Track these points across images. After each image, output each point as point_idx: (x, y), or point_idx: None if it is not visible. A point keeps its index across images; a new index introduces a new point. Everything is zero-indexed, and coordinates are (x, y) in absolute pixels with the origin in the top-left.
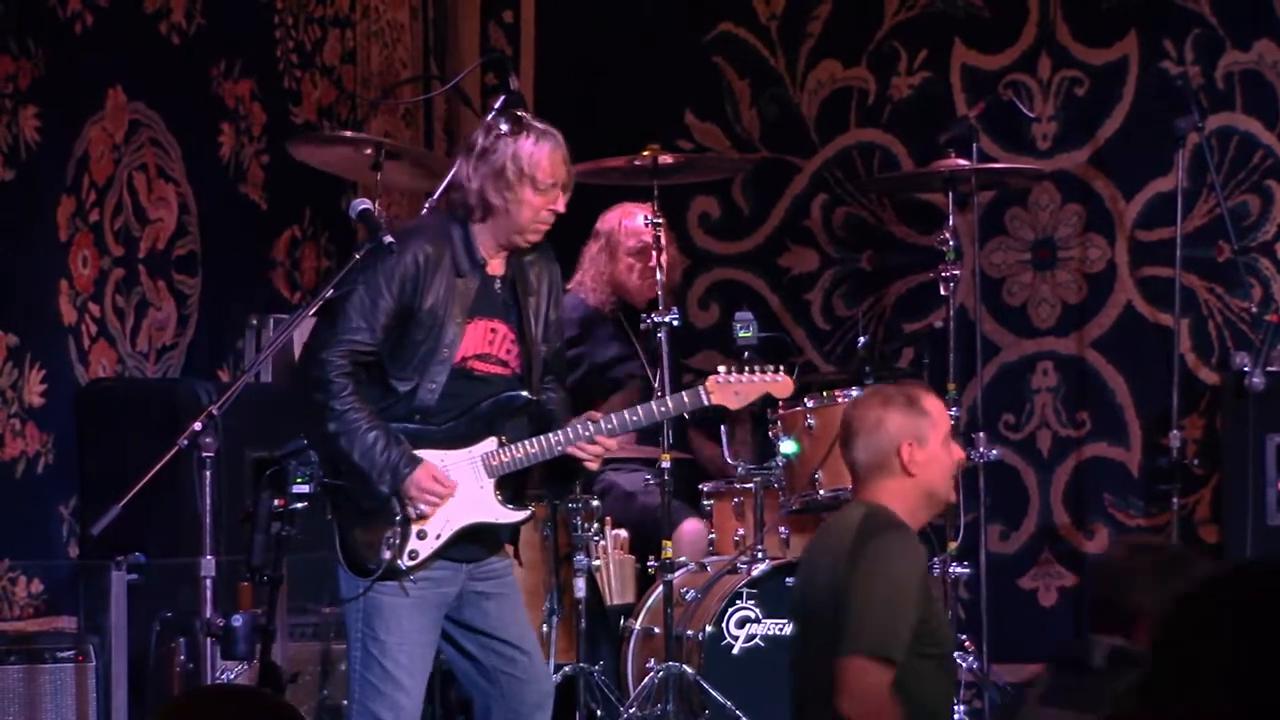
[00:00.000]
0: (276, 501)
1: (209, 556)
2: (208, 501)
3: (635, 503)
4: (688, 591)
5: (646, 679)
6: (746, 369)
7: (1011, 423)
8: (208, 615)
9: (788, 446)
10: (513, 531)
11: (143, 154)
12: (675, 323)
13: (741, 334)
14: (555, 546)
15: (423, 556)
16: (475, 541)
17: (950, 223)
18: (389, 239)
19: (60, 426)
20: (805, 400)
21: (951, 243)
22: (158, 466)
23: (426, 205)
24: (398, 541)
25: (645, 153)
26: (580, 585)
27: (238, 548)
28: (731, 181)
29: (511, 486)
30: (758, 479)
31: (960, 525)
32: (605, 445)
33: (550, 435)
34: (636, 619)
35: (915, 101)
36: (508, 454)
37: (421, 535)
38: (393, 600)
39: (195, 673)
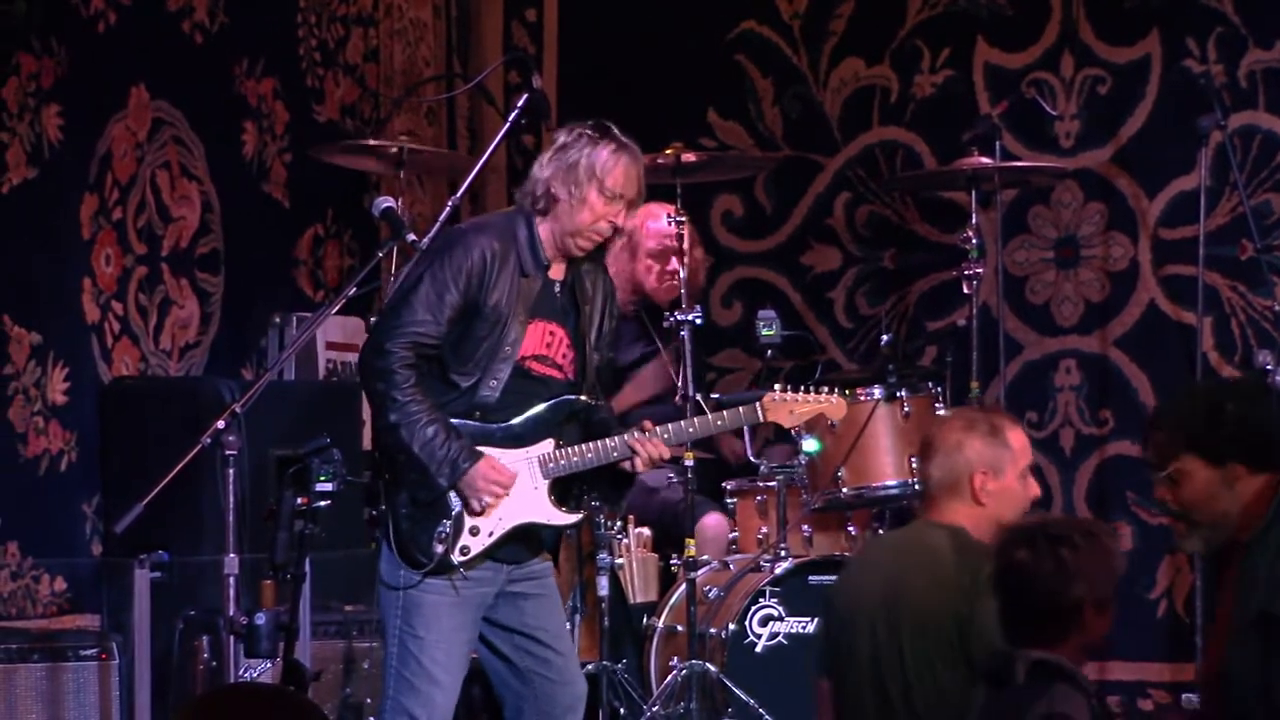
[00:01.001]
0: (300, 499)
1: (232, 555)
2: (231, 499)
3: (656, 498)
4: (711, 589)
5: (670, 677)
6: (802, 388)
7: (1034, 421)
8: (231, 613)
9: (810, 445)
10: (554, 538)
11: (165, 152)
12: (698, 321)
13: (764, 332)
14: (579, 544)
15: (474, 553)
16: (522, 543)
17: (973, 221)
18: (412, 237)
19: (83, 425)
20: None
21: (974, 241)
22: (181, 464)
23: (450, 203)
24: (450, 535)
25: (668, 151)
26: (603, 583)
27: (261, 546)
28: (754, 180)
29: (567, 490)
30: (780, 477)
31: None
32: (662, 454)
33: (607, 440)
34: (660, 617)
35: (938, 100)
36: (564, 456)
37: (474, 532)
38: (435, 598)
39: (218, 671)
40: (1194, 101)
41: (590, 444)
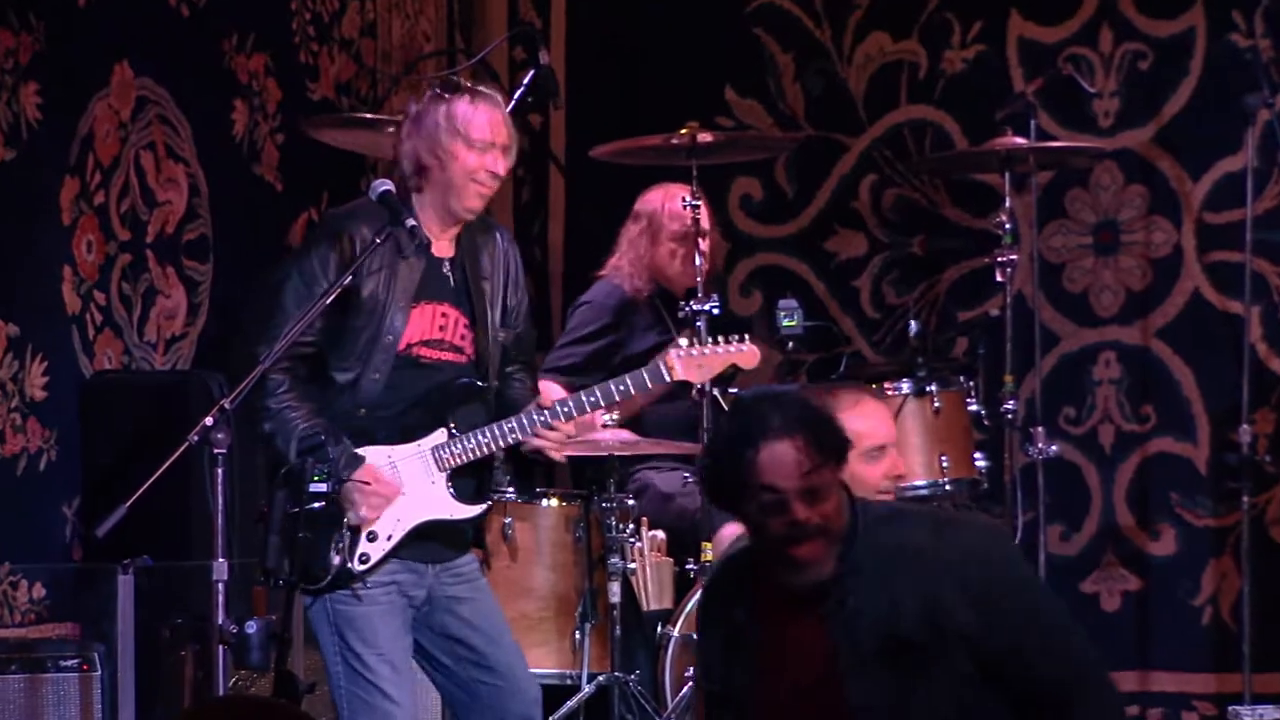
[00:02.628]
0: (292, 501)
1: (221, 559)
2: (220, 501)
3: (672, 505)
4: None
5: (685, 689)
6: (710, 339)
7: (1072, 416)
8: (220, 621)
9: None
10: (477, 532)
11: (151, 132)
12: (716, 311)
13: (785, 323)
14: (588, 549)
15: (374, 559)
16: (435, 540)
17: (1007, 205)
18: (412, 223)
19: (63, 422)
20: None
21: (1008, 226)
22: (166, 464)
23: None
24: (346, 545)
25: (683, 131)
26: (615, 590)
27: (251, 550)
28: (774, 161)
29: (472, 480)
30: None
31: (1018, 525)
32: (564, 431)
33: (503, 423)
34: (675, 625)
35: (969, 76)
36: (459, 446)
37: (372, 537)
38: (364, 609)
39: (207, 682)
40: (1240, 78)
41: (486, 429)
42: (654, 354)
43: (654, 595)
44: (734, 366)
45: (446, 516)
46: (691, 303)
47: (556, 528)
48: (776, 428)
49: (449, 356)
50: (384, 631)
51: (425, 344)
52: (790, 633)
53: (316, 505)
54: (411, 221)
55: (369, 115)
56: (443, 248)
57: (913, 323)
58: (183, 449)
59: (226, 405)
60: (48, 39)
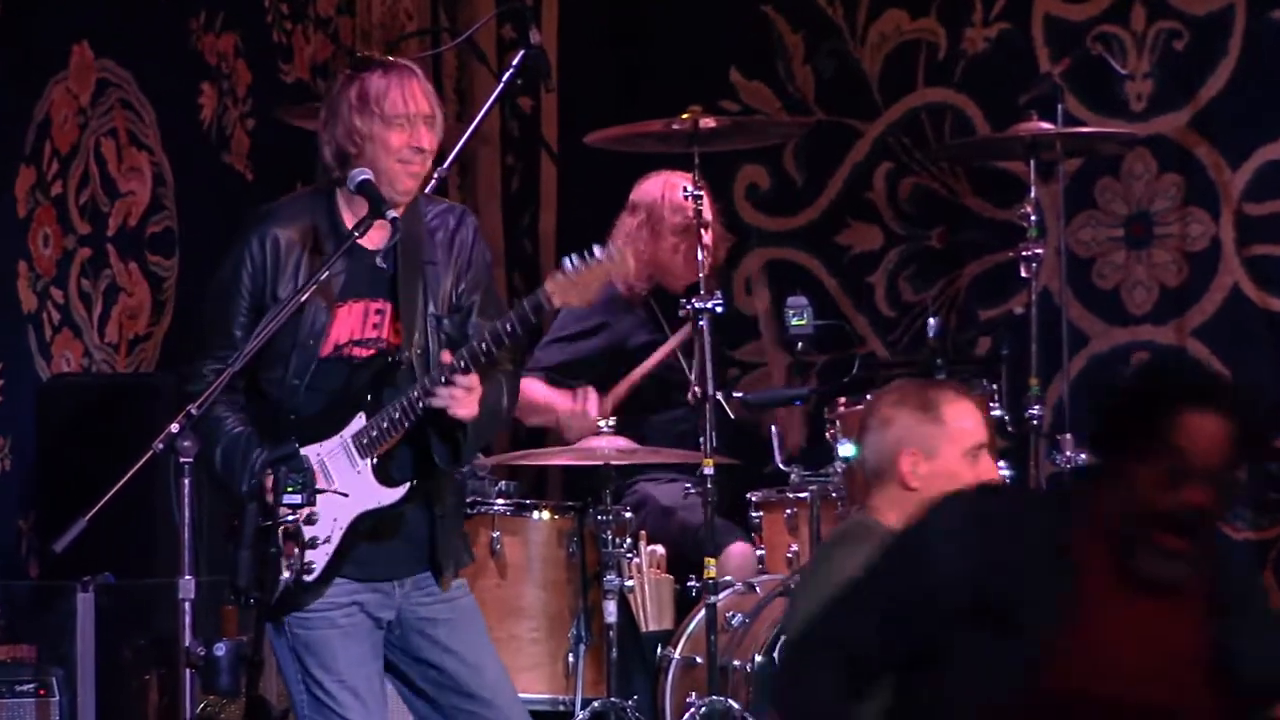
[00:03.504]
0: (264, 515)
1: (188, 576)
2: (186, 514)
3: (674, 520)
4: (734, 616)
5: (687, 716)
6: (583, 257)
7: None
8: (187, 643)
9: (847, 450)
10: (428, 540)
11: (112, 118)
12: (719, 309)
13: (795, 322)
14: (583, 564)
15: (321, 566)
16: (389, 551)
17: (1032, 195)
18: (394, 214)
19: (18, 428)
20: (868, 397)
21: (1033, 218)
22: (130, 474)
23: (436, 177)
24: (293, 556)
25: (685, 116)
26: (611, 609)
27: (221, 567)
28: (783, 148)
29: (398, 462)
30: (813, 487)
31: None
32: (463, 384)
33: (409, 391)
34: (676, 647)
35: (992, 57)
36: (374, 427)
37: (312, 544)
38: (323, 633)
39: (172, 708)
40: None
41: (395, 403)
42: (648, 352)
43: (653, 615)
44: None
45: (375, 504)
46: (694, 300)
47: (548, 543)
48: (1223, 401)
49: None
50: (345, 656)
51: (357, 343)
52: (1125, 614)
53: (290, 518)
54: (394, 213)
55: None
56: (373, 238)
57: (931, 321)
58: (147, 458)
59: (193, 411)
60: (2, 18)
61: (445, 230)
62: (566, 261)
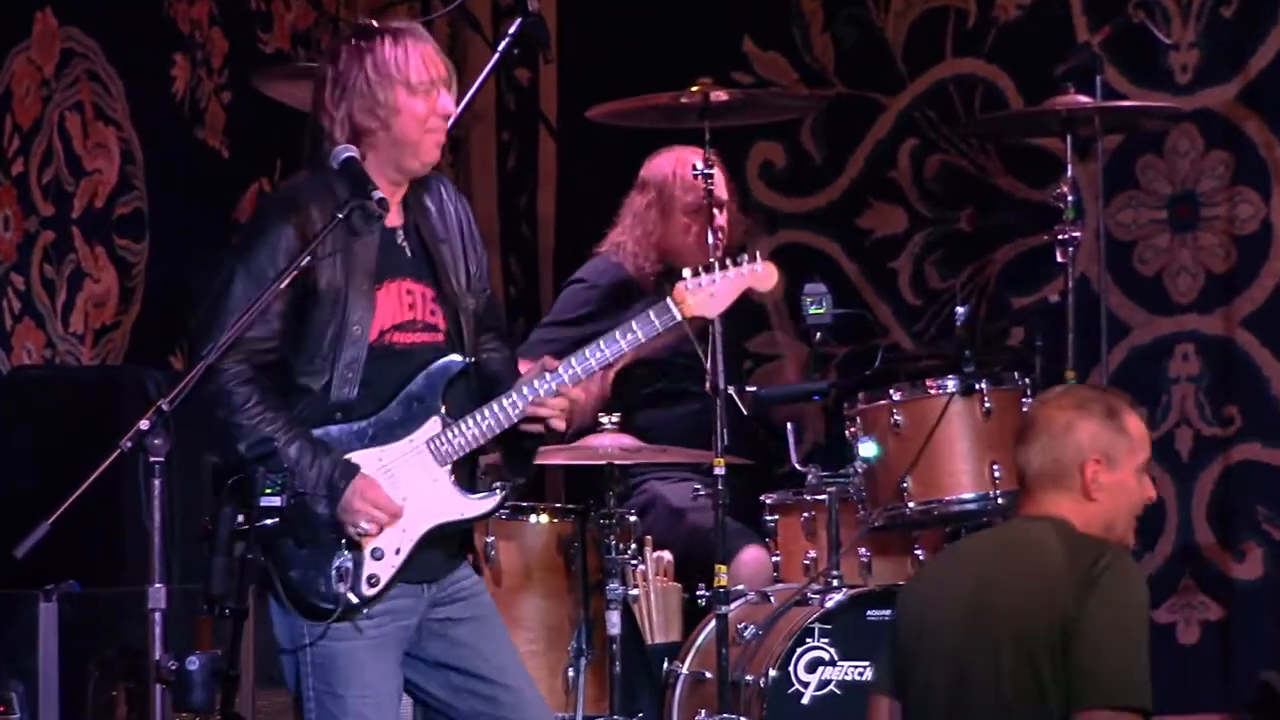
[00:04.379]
0: (241, 517)
1: (158, 585)
2: (156, 517)
3: (684, 522)
4: (747, 627)
5: None
6: (718, 265)
7: (1144, 419)
8: (157, 657)
9: (868, 449)
10: (465, 535)
11: (77, 91)
12: None
13: (812, 310)
14: (584, 572)
15: (385, 580)
16: (435, 552)
17: (1069, 174)
18: (379, 194)
19: None
20: (891, 392)
21: (1070, 198)
22: (95, 474)
23: None
24: (351, 567)
25: (694, 88)
26: (615, 620)
27: (194, 574)
28: (800, 124)
29: (472, 471)
30: (832, 489)
31: None
32: (572, 397)
33: (504, 399)
34: (684, 661)
35: (1026, 25)
36: (456, 433)
37: (378, 555)
38: (348, 645)
39: None
40: None
41: (485, 410)
42: (662, 347)
43: (659, 626)
44: (751, 290)
45: (458, 516)
46: None
47: (547, 548)
48: None
49: (424, 338)
50: (371, 671)
51: (397, 328)
52: None
53: (269, 522)
54: (379, 193)
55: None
56: (392, 217)
57: (959, 310)
58: (114, 457)
59: (164, 407)
60: None
61: (442, 203)
62: (699, 269)
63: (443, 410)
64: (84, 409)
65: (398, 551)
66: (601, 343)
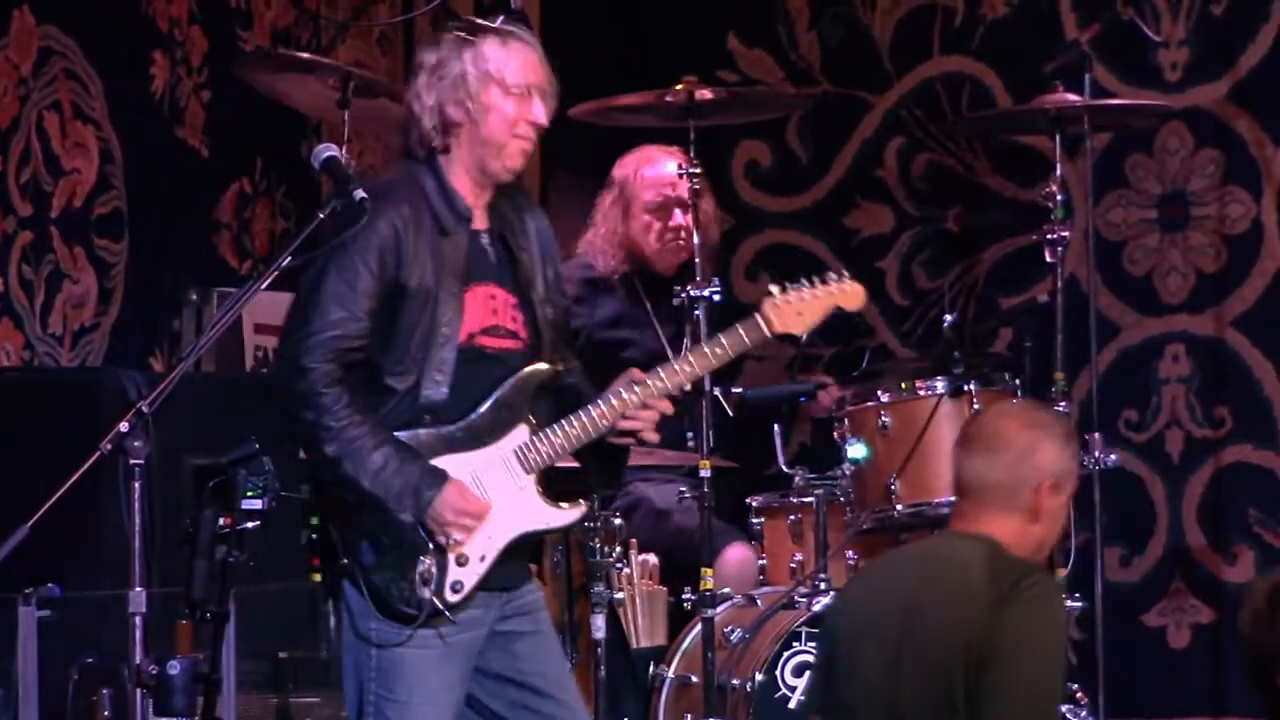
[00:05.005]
0: (222, 520)
1: (139, 589)
2: (137, 520)
3: (669, 523)
4: (733, 631)
5: None
6: (805, 282)
7: (1134, 421)
8: (138, 661)
9: (857, 451)
10: (535, 547)
11: (55, 90)
12: (716, 297)
13: None
14: (568, 576)
15: (469, 587)
16: (514, 561)
17: (1057, 173)
18: (361, 194)
19: None
20: (879, 394)
21: (1059, 197)
22: (75, 477)
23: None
24: (435, 573)
25: (679, 87)
26: (599, 623)
27: (174, 577)
28: (786, 122)
29: (558, 480)
30: (819, 491)
31: (1070, 549)
32: (661, 409)
33: (592, 409)
34: (669, 665)
35: (1014, 22)
36: (544, 442)
37: (463, 561)
38: (417, 653)
39: None
40: None
41: (574, 419)
42: (621, 348)
43: (645, 630)
44: (839, 308)
45: (544, 526)
46: (688, 288)
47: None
48: None
49: (508, 344)
50: (436, 681)
51: (485, 332)
52: None
53: (250, 524)
54: (360, 194)
55: (313, 56)
56: (479, 219)
57: (947, 318)
58: (94, 459)
59: (145, 408)
60: None
61: (524, 211)
62: (785, 285)
63: (531, 418)
64: (63, 411)
65: (482, 559)
66: (690, 356)
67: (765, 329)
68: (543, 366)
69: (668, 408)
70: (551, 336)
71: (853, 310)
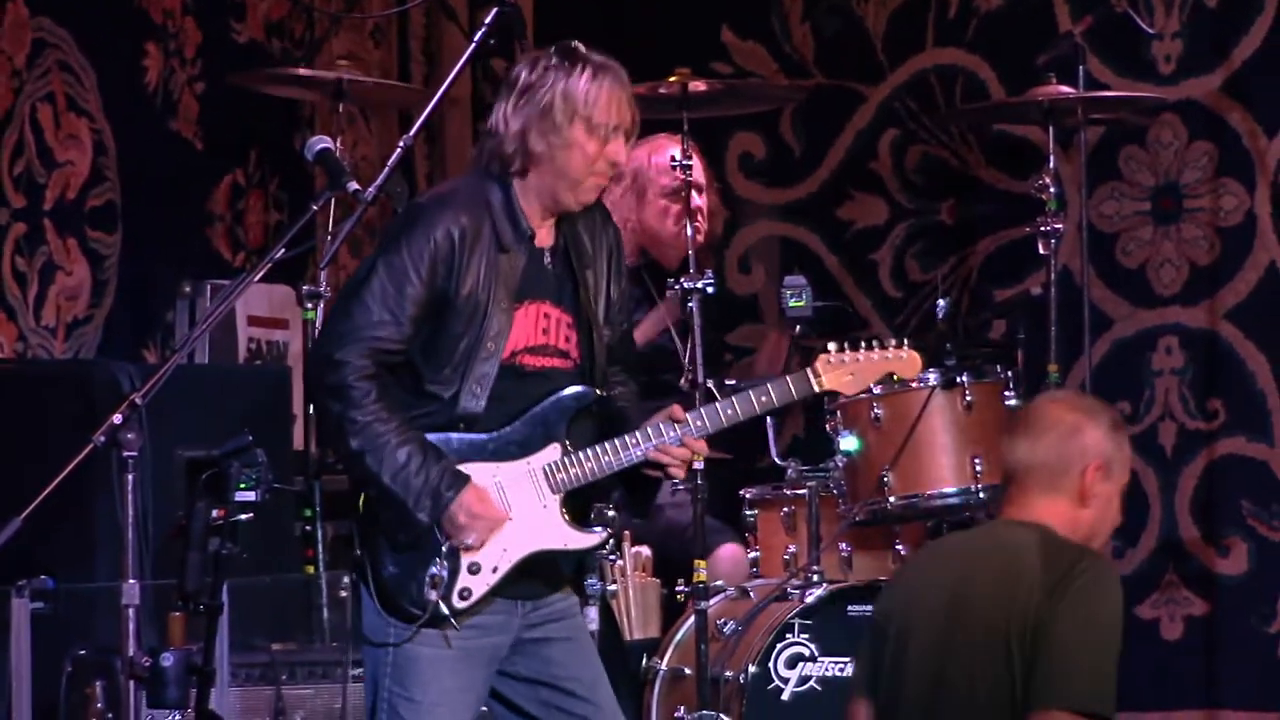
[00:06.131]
0: (216, 512)
1: (132, 581)
2: (130, 513)
3: (661, 517)
4: (726, 623)
5: None
6: (863, 345)
7: (1127, 413)
8: (131, 653)
9: (849, 443)
10: (577, 563)
11: (49, 81)
12: (710, 289)
13: (792, 303)
14: None
15: (477, 595)
16: (534, 575)
17: (1051, 165)
18: (354, 186)
19: None
20: (871, 386)
21: (1052, 190)
22: (68, 469)
23: (402, 145)
24: (445, 577)
25: (672, 79)
26: (592, 615)
27: (168, 569)
28: (779, 114)
29: (584, 503)
30: (812, 484)
31: None
32: (695, 449)
33: (626, 438)
34: (662, 658)
35: (1007, 14)
36: (574, 464)
37: (474, 569)
38: (433, 652)
39: None
40: None
41: (606, 445)
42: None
43: (638, 622)
44: (891, 375)
45: (560, 546)
46: (682, 279)
47: None
48: None
49: (555, 363)
50: (451, 681)
51: (529, 351)
52: None
53: (243, 517)
54: (354, 185)
55: (304, 72)
56: (543, 236)
57: (941, 303)
58: (87, 451)
59: (138, 400)
60: None
61: (595, 228)
62: (845, 345)
63: (565, 438)
64: (56, 403)
65: (495, 570)
66: (735, 400)
67: (814, 385)
68: (584, 389)
69: (703, 449)
70: (605, 359)
71: (908, 378)
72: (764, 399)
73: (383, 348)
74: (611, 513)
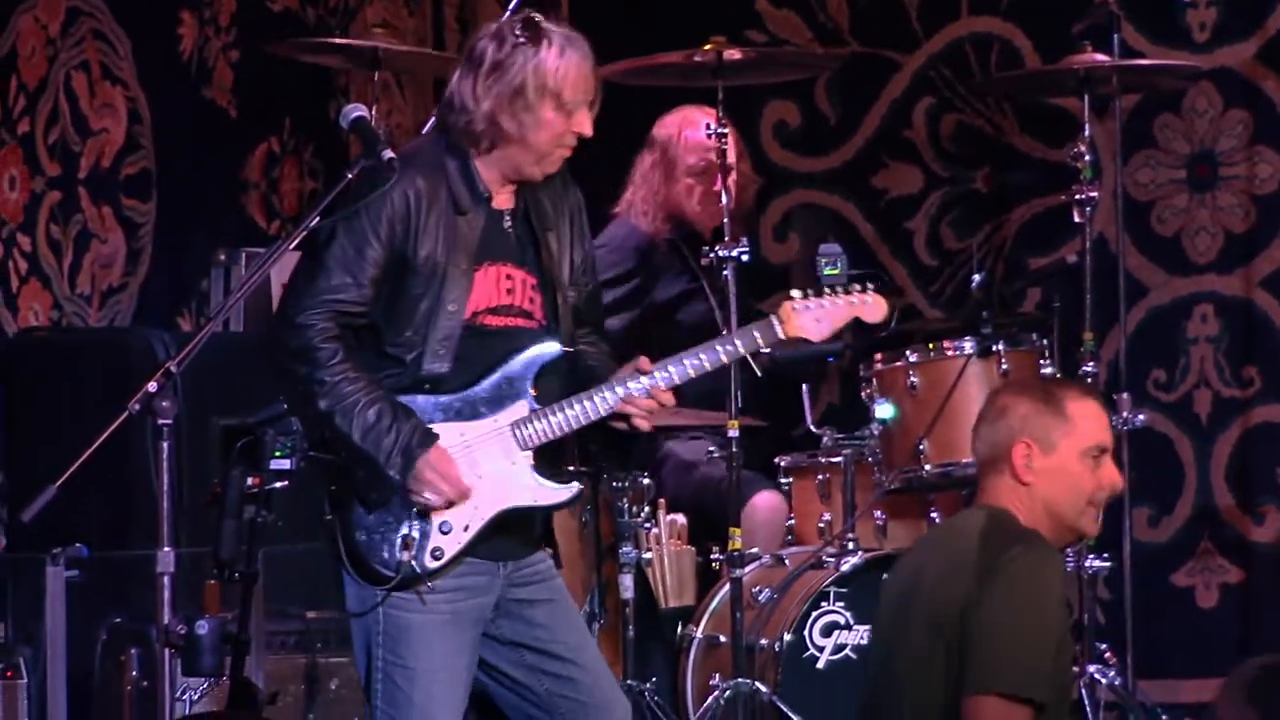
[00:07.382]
0: (251, 480)
1: (167, 549)
2: (165, 481)
3: (696, 473)
4: (761, 591)
5: (710, 699)
6: (828, 289)
7: (1162, 381)
8: (166, 621)
9: (884, 411)
10: (545, 526)
11: (84, 50)
12: (745, 257)
13: (827, 271)
14: (596, 536)
15: (449, 555)
16: (508, 533)
17: (1086, 133)
18: (389, 154)
19: None
20: (907, 354)
21: (1087, 158)
22: (103, 437)
23: (436, 114)
24: (417, 538)
25: (707, 47)
26: (628, 583)
27: (203, 537)
28: (814, 83)
29: (554, 459)
30: (848, 451)
31: None
32: (662, 400)
33: (594, 393)
34: (698, 625)
35: None
36: (542, 420)
37: (445, 529)
38: (422, 618)
39: (150, 691)
40: None
41: (573, 400)
42: (684, 305)
43: (673, 590)
44: (857, 320)
45: (531, 503)
46: (717, 247)
47: (559, 514)
48: None
49: (519, 322)
50: (442, 646)
51: (491, 311)
52: None
53: (279, 484)
54: (389, 153)
55: (338, 40)
56: (502, 199)
57: (975, 278)
58: (122, 419)
59: (173, 368)
60: None
61: (556, 192)
62: (809, 291)
63: (532, 395)
64: (91, 371)
65: (466, 529)
66: (701, 352)
67: (779, 330)
68: (551, 345)
69: (670, 399)
70: (571, 320)
71: (875, 322)
72: (729, 348)
73: (345, 310)
74: (587, 468)
